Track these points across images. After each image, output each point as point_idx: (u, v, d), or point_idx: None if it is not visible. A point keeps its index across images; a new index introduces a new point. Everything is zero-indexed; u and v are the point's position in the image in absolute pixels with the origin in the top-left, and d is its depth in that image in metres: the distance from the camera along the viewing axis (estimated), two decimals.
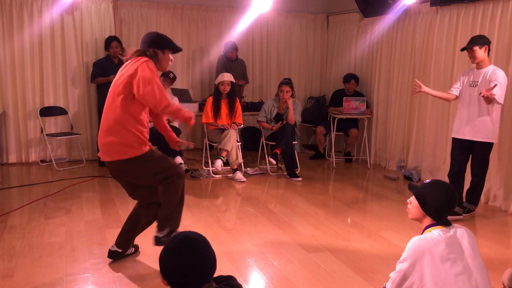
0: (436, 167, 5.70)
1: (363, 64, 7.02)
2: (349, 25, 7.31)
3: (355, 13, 7.04)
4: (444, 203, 2.18)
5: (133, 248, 3.43)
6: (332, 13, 7.77)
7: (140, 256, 3.41)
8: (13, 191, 5.06)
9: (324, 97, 7.59)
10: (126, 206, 4.55)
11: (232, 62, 6.74)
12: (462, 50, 4.31)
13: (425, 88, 4.50)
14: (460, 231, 2.17)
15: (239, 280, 1.88)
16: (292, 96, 5.99)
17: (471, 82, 4.31)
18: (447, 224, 2.19)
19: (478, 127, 4.24)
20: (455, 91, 4.43)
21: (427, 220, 2.22)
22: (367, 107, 6.63)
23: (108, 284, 2.98)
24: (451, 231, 2.15)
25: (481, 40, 4.19)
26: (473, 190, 4.44)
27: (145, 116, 3.11)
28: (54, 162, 6.03)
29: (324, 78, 7.98)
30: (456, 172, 4.46)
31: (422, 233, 2.21)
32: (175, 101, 5.81)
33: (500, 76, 4.12)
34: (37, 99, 6.22)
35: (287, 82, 6.00)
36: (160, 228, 3.20)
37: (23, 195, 4.89)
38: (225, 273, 1.94)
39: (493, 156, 4.78)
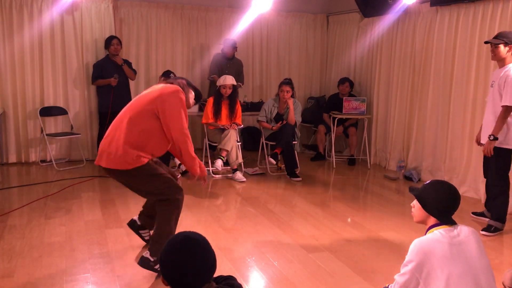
0: (436, 167, 5.70)
1: (363, 64, 7.02)
2: (349, 25, 7.31)
3: (355, 13, 7.04)
4: (445, 201, 2.17)
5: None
6: (332, 13, 7.77)
7: (140, 256, 3.40)
8: (13, 191, 5.06)
9: (324, 97, 7.60)
10: (126, 206, 4.55)
11: (228, 60, 6.71)
12: (486, 42, 4.04)
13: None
14: (465, 231, 2.15)
15: (239, 280, 1.88)
16: (292, 96, 5.99)
17: (492, 82, 4.03)
18: (451, 223, 2.18)
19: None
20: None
21: (431, 221, 2.21)
22: (367, 107, 6.63)
23: (108, 284, 2.98)
24: (455, 231, 2.14)
25: (508, 37, 3.83)
26: (492, 202, 4.11)
27: None
28: (54, 162, 6.03)
29: (324, 78, 7.99)
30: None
31: (425, 234, 2.20)
32: None
33: (509, 77, 3.79)
34: (37, 99, 6.22)
35: (288, 82, 6.00)
36: (151, 253, 3.06)
37: (23, 195, 4.89)
38: (225, 273, 1.94)
39: None
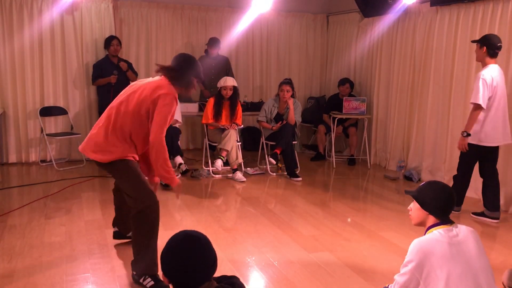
0: (436, 167, 5.70)
1: (363, 64, 7.02)
2: (349, 25, 7.31)
3: (355, 13, 7.04)
4: (443, 199, 2.19)
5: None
6: (332, 13, 7.77)
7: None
8: (13, 191, 5.06)
9: (324, 97, 7.60)
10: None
11: (212, 59, 6.61)
12: (473, 42, 4.33)
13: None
14: (464, 231, 2.16)
15: (240, 280, 1.88)
16: (292, 96, 5.99)
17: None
18: (450, 223, 2.19)
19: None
20: None
21: (430, 221, 2.22)
22: (367, 107, 6.63)
23: (108, 284, 2.98)
24: (455, 231, 2.14)
25: (481, 40, 4.17)
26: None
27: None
28: (54, 162, 6.03)
29: (324, 78, 7.99)
30: None
31: (424, 234, 2.21)
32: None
33: (478, 78, 4.12)
34: (37, 99, 6.22)
35: (288, 82, 6.00)
36: (137, 272, 2.98)
37: (23, 195, 4.89)
38: (225, 273, 1.94)
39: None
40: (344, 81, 6.83)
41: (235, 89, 5.82)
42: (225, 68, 6.78)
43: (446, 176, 5.45)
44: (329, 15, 7.84)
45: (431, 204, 2.19)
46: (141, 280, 2.93)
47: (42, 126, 6.14)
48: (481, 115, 4.16)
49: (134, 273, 3.00)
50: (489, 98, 4.11)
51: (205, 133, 6.04)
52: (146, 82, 3.06)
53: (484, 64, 4.21)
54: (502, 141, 4.25)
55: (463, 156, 4.36)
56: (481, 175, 4.43)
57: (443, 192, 2.20)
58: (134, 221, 2.98)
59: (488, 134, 4.18)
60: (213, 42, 6.60)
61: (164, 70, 3.05)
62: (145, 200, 2.94)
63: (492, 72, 4.13)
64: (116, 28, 6.49)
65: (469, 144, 4.22)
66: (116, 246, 3.58)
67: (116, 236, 3.60)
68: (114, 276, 3.09)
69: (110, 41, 6.09)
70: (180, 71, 3.04)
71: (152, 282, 2.91)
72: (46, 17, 6.09)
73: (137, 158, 3.12)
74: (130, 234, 3.48)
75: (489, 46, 4.15)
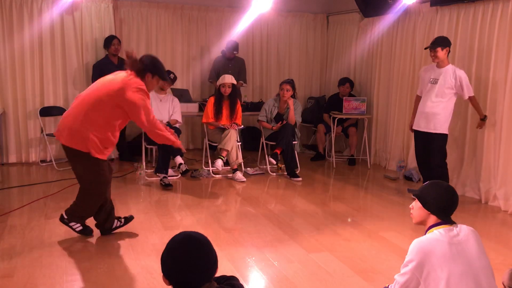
0: None
1: (363, 64, 7.02)
2: (349, 25, 7.31)
3: (355, 13, 7.04)
4: (445, 200, 2.18)
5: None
6: (332, 13, 7.77)
7: (140, 256, 3.41)
8: (13, 191, 5.06)
9: (324, 97, 7.60)
10: (126, 206, 4.55)
11: (229, 61, 6.73)
12: (425, 48, 4.75)
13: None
14: (464, 230, 2.15)
15: (240, 281, 1.88)
16: (293, 96, 5.99)
17: (431, 80, 4.71)
18: (451, 223, 2.19)
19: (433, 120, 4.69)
20: (419, 92, 4.98)
21: (431, 220, 2.21)
22: (367, 107, 6.63)
23: (108, 284, 2.98)
24: (455, 230, 2.14)
25: (444, 42, 4.58)
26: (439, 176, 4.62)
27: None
28: (54, 162, 6.03)
29: (324, 78, 7.98)
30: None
31: (425, 234, 2.20)
32: (175, 103, 5.82)
33: (463, 78, 4.58)
34: (37, 99, 6.22)
35: (289, 81, 6.00)
36: (67, 214, 3.63)
37: (23, 195, 4.89)
38: (225, 273, 1.94)
39: (493, 155, 4.79)
40: (344, 81, 6.83)
41: (234, 87, 5.82)
42: (241, 69, 6.84)
43: None
44: (329, 15, 7.84)
45: (433, 204, 2.19)
46: (71, 224, 3.62)
47: (42, 126, 6.14)
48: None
49: (66, 217, 3.60)
50: None
51: (205, 133, 6.04)
52: (113, 76, 3.45)
53: (446, 64, 4.67)
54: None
55: (443, 149, 4.78)
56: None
57: (446, 193, 2.20)
58: (81, 191, 3.54)
59: None
60: (231, 45, 6.67)
61: (130, 64, 3.44)
62: (99, 190, 3.53)
63: None
64: (116, 28, 6.49)
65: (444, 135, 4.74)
66: (116, 246, 3.58)
67: (104, 232, 3.82)
68: (114, 276, 3.09)
69: (110, 41, 6.09)
70: (143, 66, 3.44)
71: (81, 227, 3.66)
72: (46, 17, 6.08)
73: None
74: (116, 223, 3.83)
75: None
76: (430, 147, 4.75)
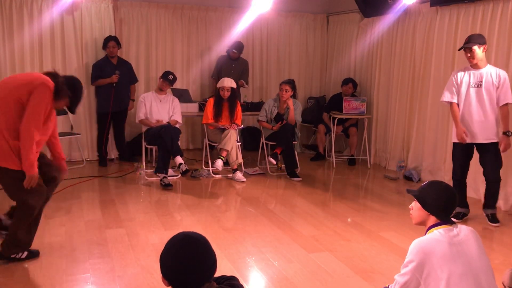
0: (436, 167, 5.70)
1: (363, 64, 7.02)
2: (349, 25, 7.31)
3: (355, 13, 7.04)
4: (445, 200, 2.18)
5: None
6: (332, 13, 7.77)
7: (140, 256, 3.41)
8: None
9: (324, 97, 7.60)
10: (126, 206, 4.55)
11: (233, 61, 6.75)
12: (460, 49, 4.24)
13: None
14: (464, 231, 2.15)
15: (240, 281, 1.88)
16: (294, 97, 5.98)
17: (472, 83, 4.18)
18: (450, 223, 2.19)
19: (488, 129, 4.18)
20: (455, 98, 4.26)
21: (431, 221, 2.21)
22: (367, 107, 6.63)
23: (108, 284, 2.98)
24: (455, 230, 2.14)
25: (479, 39, 4.07)
26: (495, 192, 4.31)
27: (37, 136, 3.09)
28: None
29: (324, 78, 7.99)
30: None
31: (425, 234, 2.20)
32: (175, 103, 5.82)
33: (507, 79, 4.12)
34: None
35: (289, 82, 6.00)
36: (4, 248, 3.22)
37: None
38: (225, 273, 1.94)
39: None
40: (347, 81, 6.82)
41: (233, 90, 5.82)
42: (244, 70, 6.85)
43: (446, 176, 5.44)
44: (329, 15, 7.84)
45: (433, 204, 2.19)
46: (18, 256, 3.22)
47: None
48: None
49: (7, 254, 3.20)
50: None
51: (205, 133, 6.04)
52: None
53: (485, 64, 4.18)
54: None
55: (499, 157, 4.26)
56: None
57: (445, 193, 2.19)
58: (17, 211, 3.25)
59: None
60: (237, 46, 6.69)
61: (51, 75, 3.17)
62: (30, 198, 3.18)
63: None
64: (116, 28, 6.49)
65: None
66: (116, 246, 3.58)
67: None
68: (114, 276, 3.09)
69: (106, 43, 6.07)
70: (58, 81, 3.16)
71: (27, 253, 3.28)
72: (46, 17, 6.08)
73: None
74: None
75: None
76: (485, 160, 4.25)
